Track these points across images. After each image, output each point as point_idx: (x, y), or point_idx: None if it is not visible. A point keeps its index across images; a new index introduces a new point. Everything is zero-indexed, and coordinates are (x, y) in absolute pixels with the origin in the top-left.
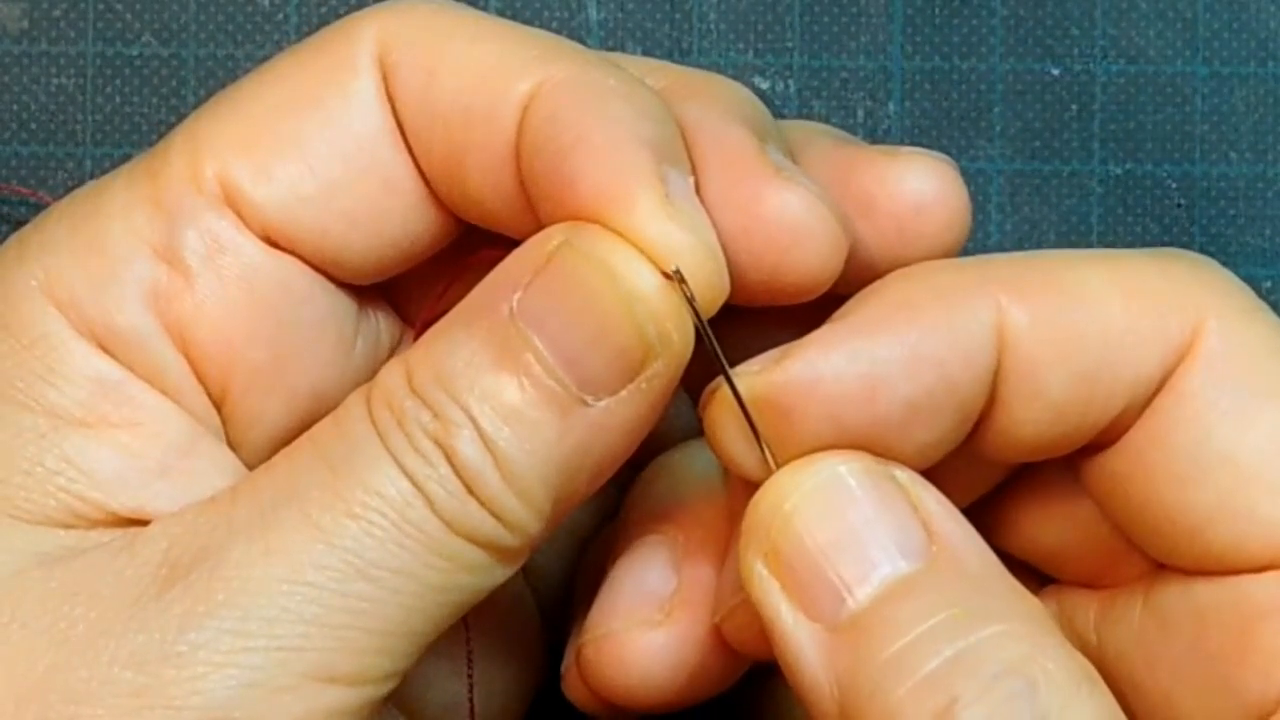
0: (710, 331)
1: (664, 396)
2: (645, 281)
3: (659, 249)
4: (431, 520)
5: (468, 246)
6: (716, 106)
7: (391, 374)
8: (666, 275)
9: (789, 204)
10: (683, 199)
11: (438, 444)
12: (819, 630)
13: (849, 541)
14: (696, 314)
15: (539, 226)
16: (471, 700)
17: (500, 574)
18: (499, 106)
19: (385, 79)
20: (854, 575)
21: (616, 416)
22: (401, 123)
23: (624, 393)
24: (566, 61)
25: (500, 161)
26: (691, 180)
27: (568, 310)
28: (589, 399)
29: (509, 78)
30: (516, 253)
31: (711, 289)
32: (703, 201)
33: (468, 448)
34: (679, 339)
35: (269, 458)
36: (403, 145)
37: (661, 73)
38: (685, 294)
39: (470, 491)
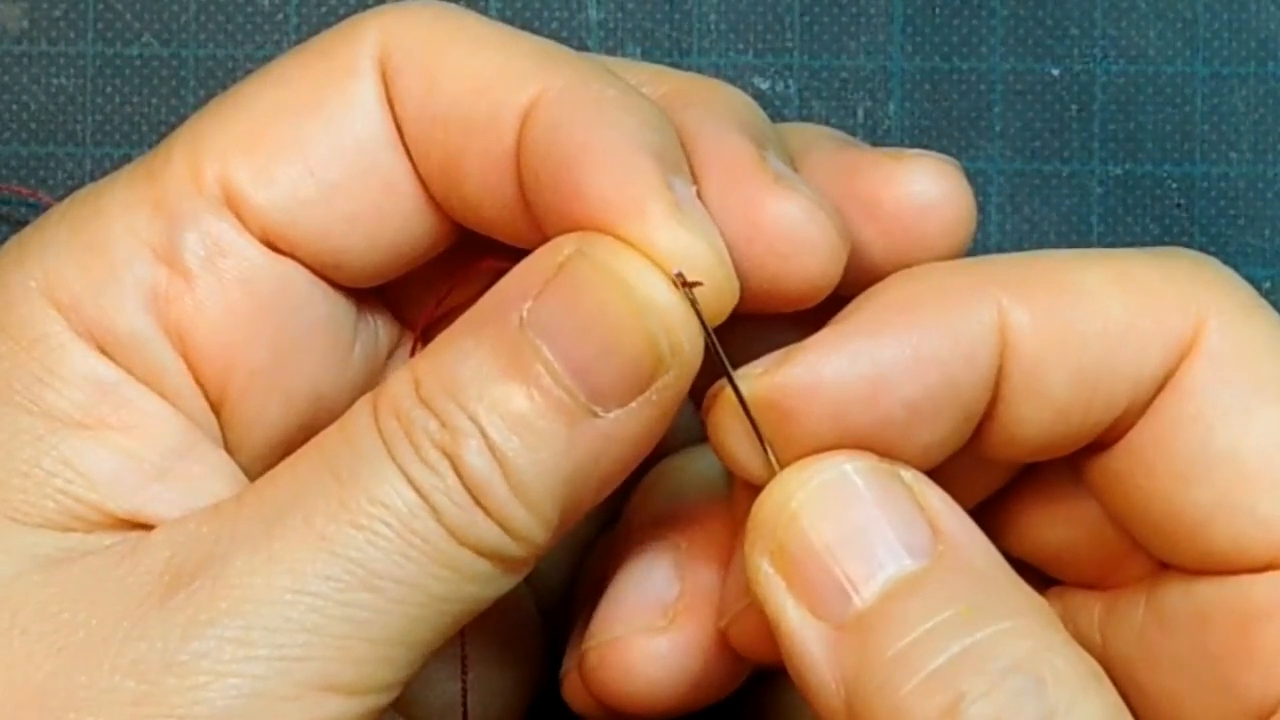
0: (714, 335)
1: (673, 408)
2: (658, 292)
3: (672, 257)
4: (437, 531)
5: (468, 251)
6: (715, 114)
7: (398, 382)
8: (675, 281)
9: (788, 212)
10: (691, 207)
11: (444, 453)
12: (825, 628)
13: (855, 539)
14: (700, 317)
15: (535, 233)
16: (465, 704)
17: (505, 584)
18: (499, 114)
19: (386, 83)
20: (860, 573)
21: (626, 428)
22: (401, 127)
23: (634, 404)
24: (566, 70)
25: (499, 169)
26: (694, 189)
27: (579, 320)
28: (598, 410)
29: (510, 86)
30: (526, 262)
31: (722, 295)
32: None
33: (475, 457)
34: (690, 350)
35: (266, 461)
36: (402, 149)
37: (660, 79)
38: (690, 297)
39: (477, 502)
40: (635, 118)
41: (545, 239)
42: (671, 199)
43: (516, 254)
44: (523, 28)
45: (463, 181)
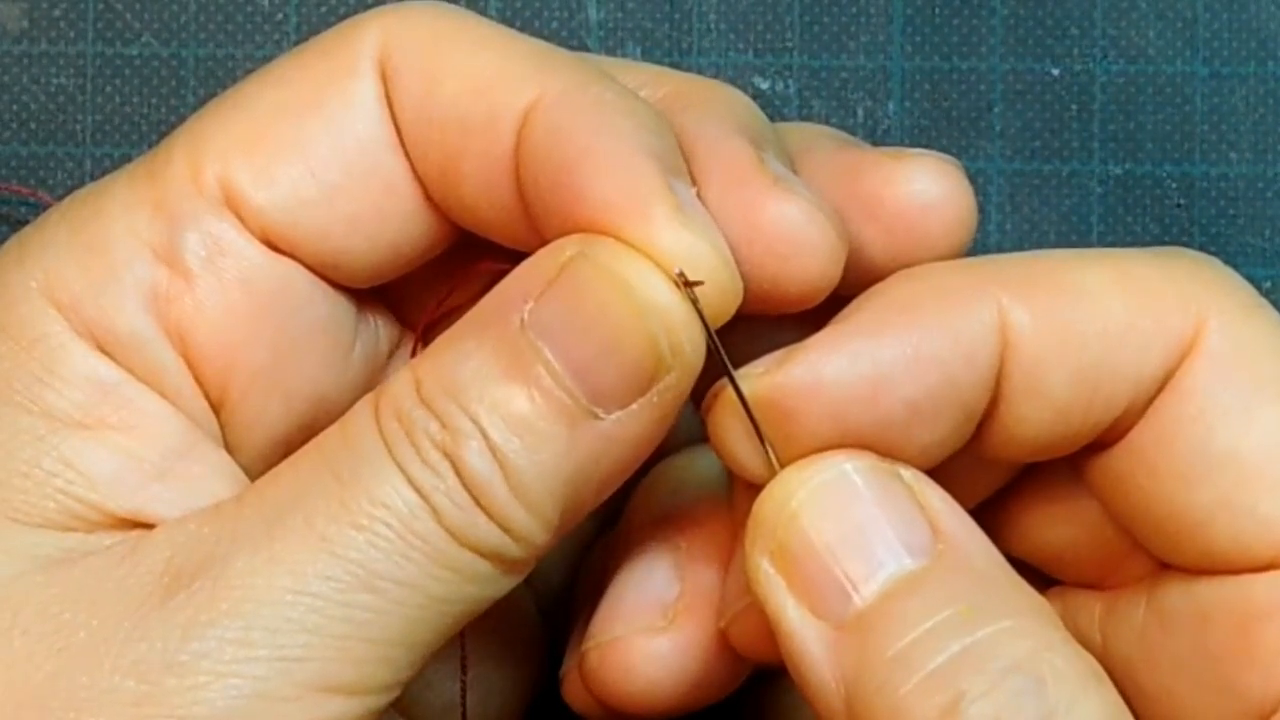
0: (715, 335)
1: (674, 409)
2: (660, 294)
3: (676, 258)
4: (437, 532)
5: (469, 251)
6: (714, 116)
7: (399, 383)
8: (678, 281)
9: (787, 214)
10: (693, 208)
11: (445, 454)
12: (825, 627)
13: (855, 539)
14: (702, 316)
15: (533, 236)
16: (464, 703)
17: (505, 584)
18: (498, 116)
19: (386, 83)
20: (860, 572)
21: (627, 429)
22: (400, 128)
23: (635, 406)
24: (565, 73)
25: (497, 171)
26: (694, 191)
27: (580, 322)
28: (599, 412)
29: (508, 88)
30: (528, 263)
31: (725, 295)
32: None
33: (476, 459)
34: (691, 351)
35: (267, 461)
36: (402, 150)
37: (660, 80)
38: (692, 297)
39: (477, 503)
40: (634, 121)
41: (543, 242)
42: (674, 200)
43: (515, 255)
44: (522, 28)
45: (461, 183)
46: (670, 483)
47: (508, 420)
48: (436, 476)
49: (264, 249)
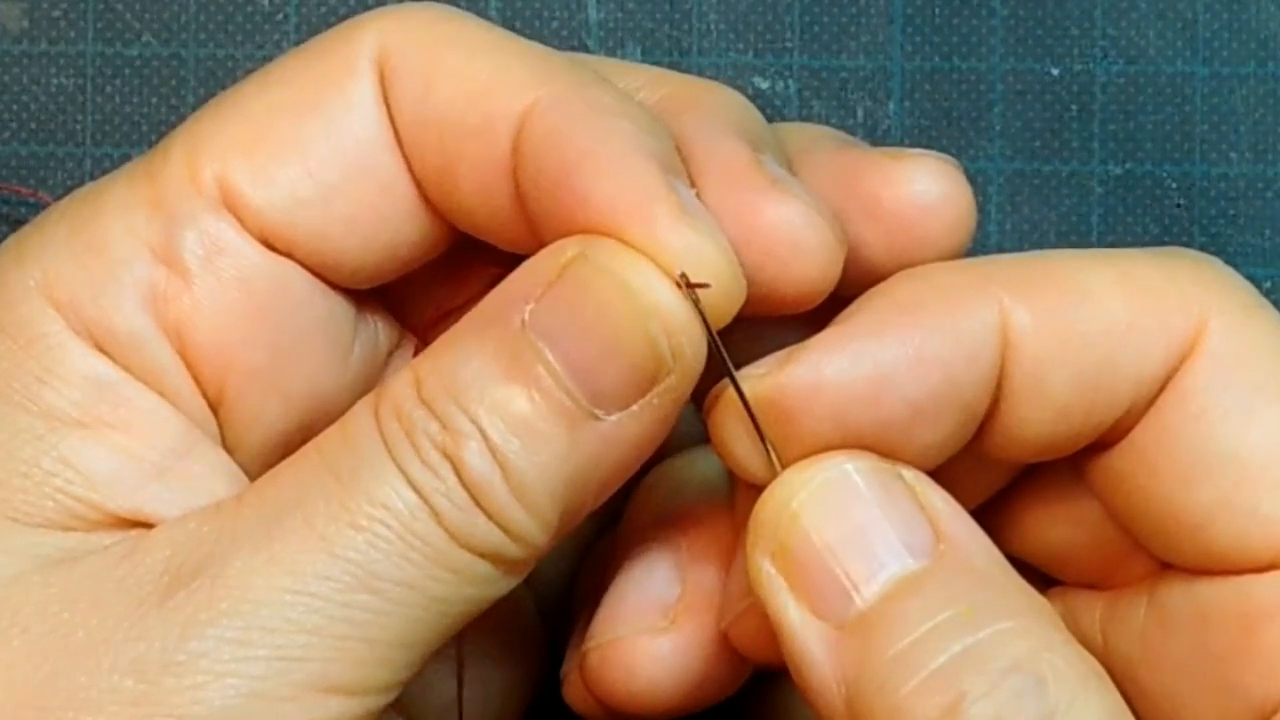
0: (716, 335)
1: (675, 411)
2: (661, 295)
3: (680, 258)
4: (437, 533)
5: (469, 253)
6: (712, 118)
7: (400, 383)
8: (679, 283)
9: (785, 216)
10: (696, 209)
11: (445, 455)
12: (826, 628)
13: (856, 539)
14: (704, 317)
15: (529, 238)
16: (461, 703)
17: (504, 585)
18: (495, 119)
19: (384, 84)
20: (861, 573)
21: (627, 431)
22: (398, 129)
23: (635, 407)
24: (562, 77)
25: (493, 174)
26: (694, 192)
27: (581, 323)
28: (599, 413)
29: (505, 91)
30: (528, 264)
31: (729, 295)
32: None
33: (475, 459)
34: (691, 353)
35: (265, 461)
36: (400, 152)
37: (658, 82)
38: (693, 298)
39: (477, 504)
40: (632, 123)
41: (540, 245)
42: (677, 201)
43: (514, 258)
44: (523, 28)
45: (457, 185)
46: (671, 483)
47: (508, 421)
48: (436, 477)
49: (262, 249)
